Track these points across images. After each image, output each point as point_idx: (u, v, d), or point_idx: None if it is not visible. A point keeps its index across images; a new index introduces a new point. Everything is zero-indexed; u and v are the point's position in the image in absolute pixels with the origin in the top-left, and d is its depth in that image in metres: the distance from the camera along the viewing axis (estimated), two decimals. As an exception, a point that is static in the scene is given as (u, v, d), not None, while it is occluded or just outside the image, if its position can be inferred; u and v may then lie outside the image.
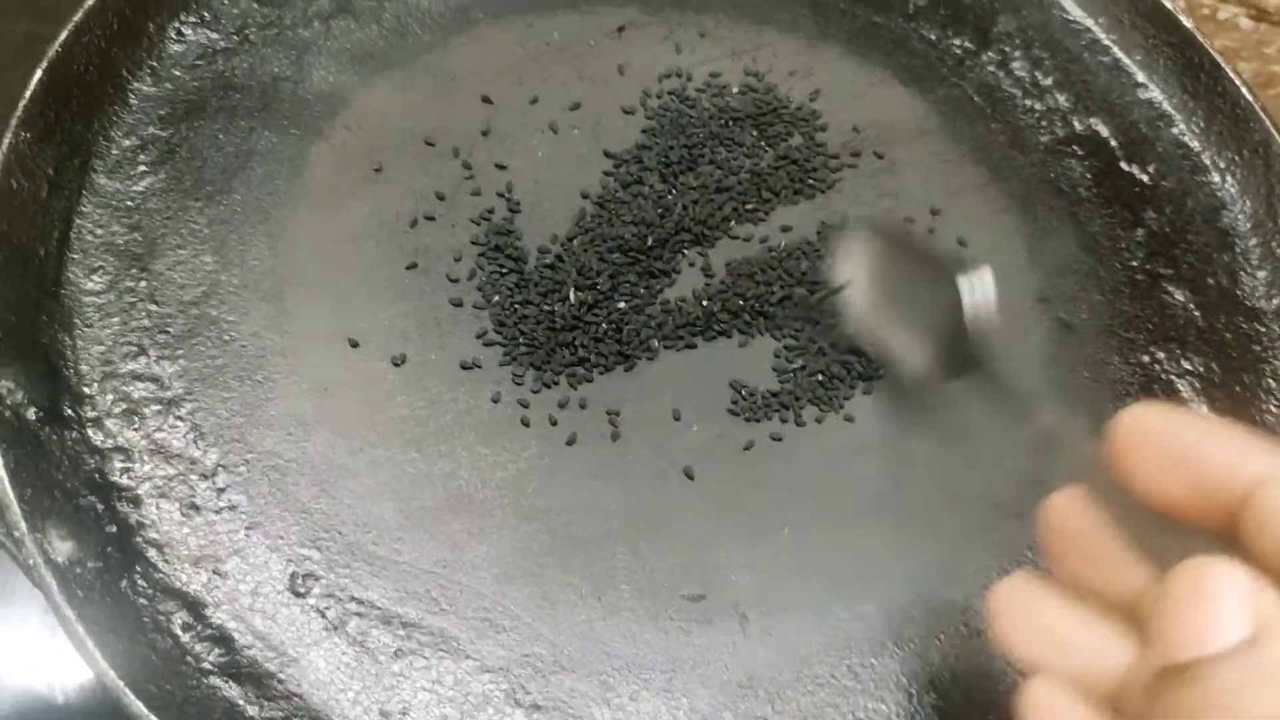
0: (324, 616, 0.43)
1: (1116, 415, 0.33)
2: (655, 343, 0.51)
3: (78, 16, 0.52)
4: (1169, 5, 0.62)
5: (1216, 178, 0.60)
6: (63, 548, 0.41)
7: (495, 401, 0.49)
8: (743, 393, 0.50)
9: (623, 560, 0.46)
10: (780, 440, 0.50)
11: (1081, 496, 0.34)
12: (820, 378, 0.51)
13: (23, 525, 0.40)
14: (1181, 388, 0.53)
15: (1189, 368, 0.54)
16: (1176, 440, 0.32)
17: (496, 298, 0.51)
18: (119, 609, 0.41)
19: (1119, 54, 0.64)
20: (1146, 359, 0.54)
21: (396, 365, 0.49)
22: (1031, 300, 0.55)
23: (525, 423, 0.49)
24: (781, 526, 0.47)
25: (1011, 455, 0.50)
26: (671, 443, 0.49)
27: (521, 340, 0.50)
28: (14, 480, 0.41)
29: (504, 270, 0.52)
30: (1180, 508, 0.31)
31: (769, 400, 0.50)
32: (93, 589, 0.41)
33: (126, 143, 0.53)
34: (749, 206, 0.56)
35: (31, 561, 0.39)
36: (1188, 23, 0.62)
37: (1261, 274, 0.57)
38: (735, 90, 0.60)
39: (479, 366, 0.50)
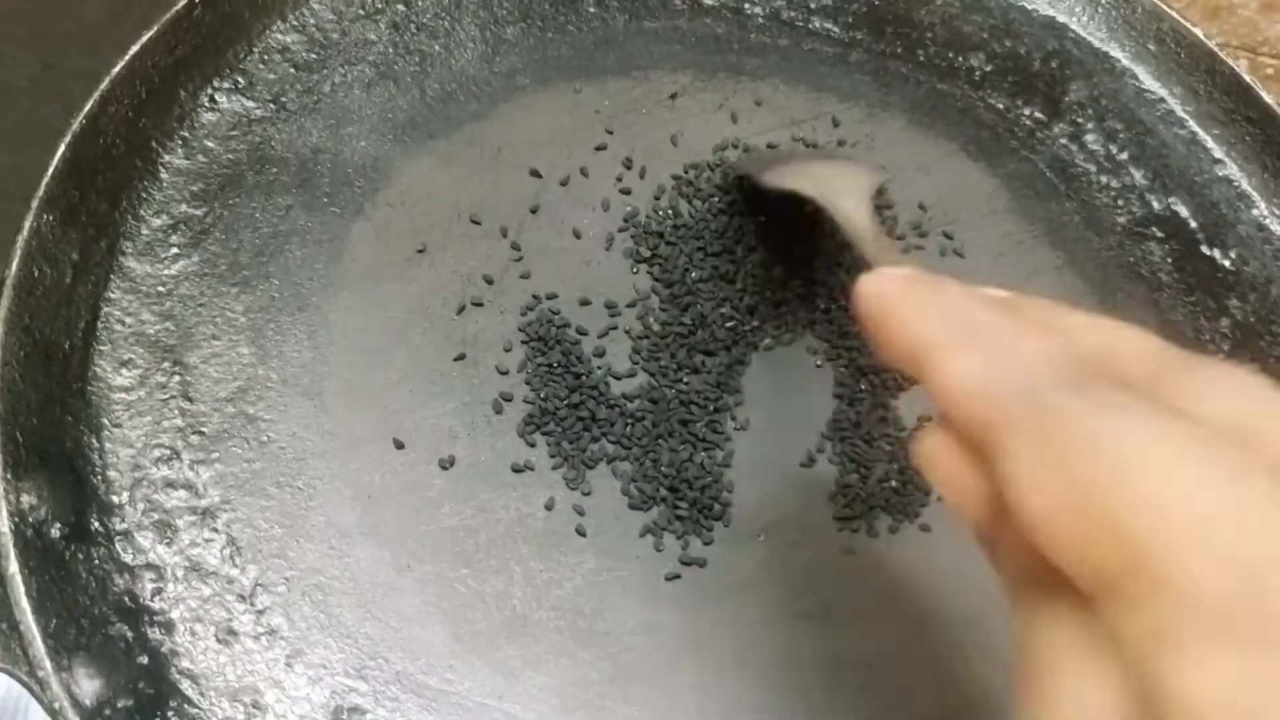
0: (371, 757, 0.40)
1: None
2: (722, 446, 0.48)
3: (103, 85, 0.49)
4: (1249, 79, 0.59)
5: (1302, 264, 0.57)
6: (90, 687, 0.37)
7: (549, 509, 0.46)
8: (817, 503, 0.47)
9: (689, 691, 0.43)
10: (853, 554, 0.47)
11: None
12: (894, 484, 0.48)
13: (48, 665, 0.37)
14: (1275, 496, 0.50)
15: None
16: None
17: (545, 391, 0.48)
18: (151, 754, 0.38)
19: (1195, 127, 0.61)
20: (1236, 463, 0.51)
21: (444, 469, 0.46)
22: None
23: (581, 532, 0.45)
24: (864, 658, 0.44)
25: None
26: (741, 557, 0.45)
27: (574, 440, 0.47)
28: (38, 612, 0.37)
29: (554, 364, 0.49)
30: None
31: (843, 511, 0.47)
32: (123, 733, 0.37)
33: (157, 222, 0.49)
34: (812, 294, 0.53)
35: (58, 705, 0.36)
36: (1268, 98, 0.59)
37: (1354, 370, 0.54)
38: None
39: (531, 469, 0.47)
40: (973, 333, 0.27)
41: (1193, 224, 0.58)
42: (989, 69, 0.62)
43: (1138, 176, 0.60)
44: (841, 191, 0.45)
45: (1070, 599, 0.23)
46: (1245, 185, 0.59)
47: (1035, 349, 0.26)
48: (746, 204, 0.53)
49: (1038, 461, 0.23)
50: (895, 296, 0.30)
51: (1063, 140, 0.61)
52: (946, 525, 0.48)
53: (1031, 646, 0.24)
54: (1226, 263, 0.57)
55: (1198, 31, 0.61)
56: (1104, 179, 0.59)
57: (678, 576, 0.45)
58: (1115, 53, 0.63)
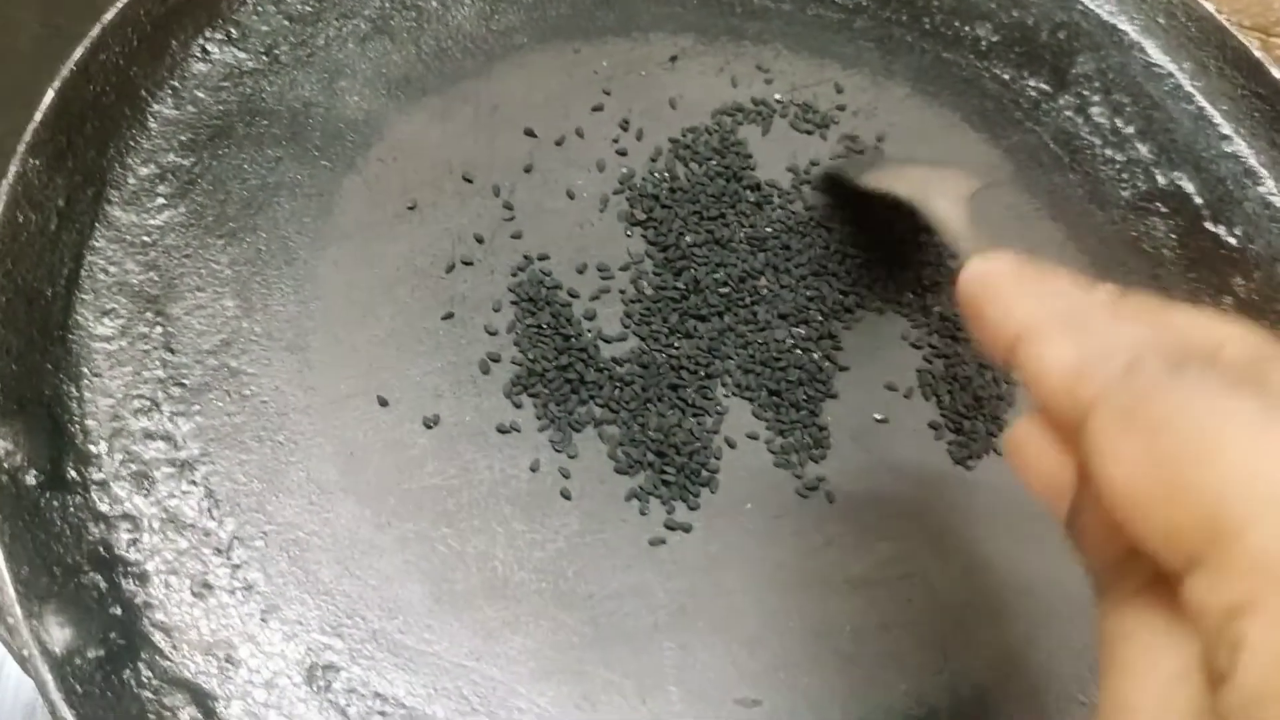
0: (345, 714, 0.39)
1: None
2: (717, 408, 0.47)
3: (94, 32, 0.48)
4: (1259, 54, 0.58)
5: (1309, 243, 0.56)
6: (61, 635, 0.37)
7: (534, 470, 0.45)
8: (805, 472, 0.46)
9: (671, 657, 0.42)
10: (844, 531, 0.46)
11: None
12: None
13: (18, 610, 0.36)
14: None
15: (1280, 453, 0.50)
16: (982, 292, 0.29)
17: (533, 353, 0.47)
18: (121, 704, 0.37)
19: (1203, 103, 0.60)
20: (1234, 442, 0.50)
21: (428, 427, 0.45)
22: (1112, 374, 0.51)
23: (566, 495, 0.45)
24: (844, 625, 0.43)
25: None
26: (727, 524, 0.45)
27: (561, 402, 0.46)
28: (9, 557, 0.37)
29: (544, 325, 0.48)
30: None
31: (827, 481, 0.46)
32: (92, 682, 0.37)
33: (144, 171, 0.49)
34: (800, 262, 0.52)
35: (26, 652, 0.36)
36: (1278, 74, 0.58)
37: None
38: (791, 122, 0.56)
39: (517, 430, 0.46)
40: (1073, 318, 0.27)
41: (1198, 200, 0.57)
42: (995, 39, 0.61)
43: (1143, 151, 0.59)
44: (937, 195, 0.45)
45: (1152, 586, 0.23)
46: (1253, 161, 0.58)
47: (1134, 334, 0.26)
48: (834, 205, 0.53)
49: (1125, 434, 0.23)
50: (999, 282, 0.30)
51: (1068, 113, 0.60)
52: (937, 509, 0.47)
53: (1113, 633, 0.24)
54: (1231, 240, 0.56)
55: (1208, 6, 0.60)
56: (1109, 152, 0.58)
57: (662, 542, 0.44)
58: (1124, 25, 0.62)
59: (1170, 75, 0.61)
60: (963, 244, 0.41)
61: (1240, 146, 0.59)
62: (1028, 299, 0.29)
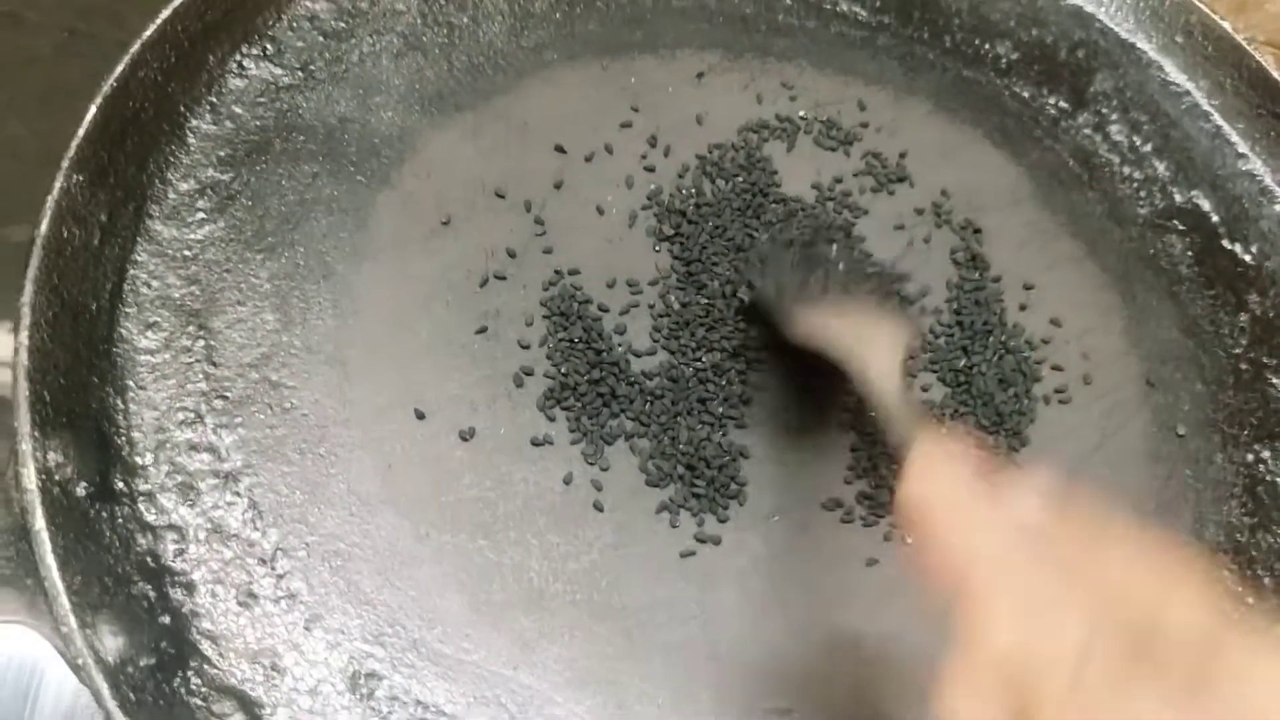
0: (387, 722, 0.40)
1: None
2: (735, 420, 0.48)
3: (134, 49, 0.49)
4: (1277, 75, 0.59)
5: (1324, 261, 0.57)
6: (114, 644, 0.38)
7: (567, 483, 0.46)
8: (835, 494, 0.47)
9: (703, 667, 0.43)
10: (871, 544, 0.47)
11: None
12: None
13: (72, 621, 0.37)
14: (1288, 491, 0.50)
15: (1296, 469, 0.51)
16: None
17: (565, 366, 0.48)
18: (172, 711, 0.38)
19: (1220, 121, 0.61)
20: (1251, 458, 0.51)
21: (465, 440, 0.46)
22: (1132, 388, 0.52)
23: (599, 507, 0.46)
24: (870, 637, 0.44)
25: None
26: (755, 537, 0.46)
27: (593, 415, 0.47)
28: (63, 568, 0.38)
29: (575, 339, 0.49)
30: None
31: (864, 500, 0.47)
32: (144, 690, 0.38)
33: (184, 186, 0.50)
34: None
35: (81, 661, 0.37)
36: (1296, 93, 0.58)
37: (1372, 369, 0.54)
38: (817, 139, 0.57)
39: (550, 443, 0.47)
40: (1018, 587, 0.28)
41: (1214, 218, 0.58)
42: (1015, 57, 0.62)
43: (1161, 169, 0.59)
44: (870, 354, 0.43)
45: None
46: (1269, 180, 0.59)
47: (1081, 624, 0.27)
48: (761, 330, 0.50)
49: None
50: (938, 515, 0.30)
51: (1087, 130, 0.60)
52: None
53: None
54: (1248, 257, 0.57)
55: (1225, 25, 0.61)
56: (1127, 170, 0.59)
57: (692, 554, 0.45)
58: (1142, 44, 0.63)
59: (1187, 93, 0.62)
60: (896, 426, 0.40)
61: (1256, 165, 0.60)
62: (970, 546, 0.29)
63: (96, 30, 0.69)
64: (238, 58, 0.54)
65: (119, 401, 0.44)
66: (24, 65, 0.67)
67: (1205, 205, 0.59)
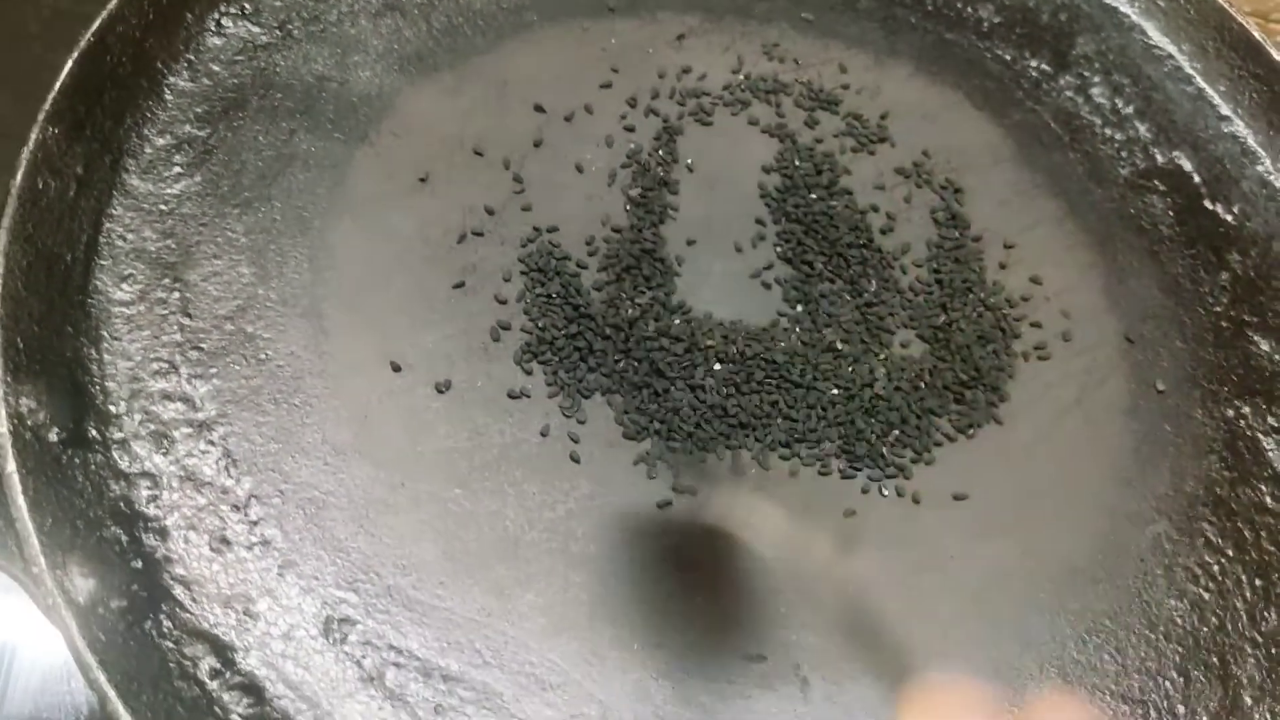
0: (360, 666, 0.40)
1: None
2: (712, 380, 0.48)
3: (112, 4, 0.49)
4: (1258, 36, 0.59)
5: (1304, 220, 0.57)
6: (84, 585, 0.38)
7: (544, 435, 0.46)
8: (808, 446, 0.47)
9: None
10: (843, 499, 0.47)
11: None
12: (888, 438, 0.48)
13: (42, 561, 0.37)
14: (1268, 446, 0.50)
15: (1275, 424, 0.51)
16: None
17: (543, 321, 0.48)
18: (143, 653, 0.38)
19: (1202, 84, 0.61)
20: (1231, 413, 0.51)
21: (440, 392, 0.46)
22: (1112, 345, 0.52)
23: (575, 459, 0.46)
24: (845, 586, 0.44)
25: (1090, 518, 0.47)
26: (731, 490, 0.46)
27: (570, 369, 0.47)
28: (34, 510, 0.38)
29: (553, 295, 0.49)
30: None
31: (843, 454, 0.47)
32: (115, 631, 0.38)
33: (161, 141, 0.49)
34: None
35: (51, 601, 0.36)
36: (1277, 55, 0.58)
37: (1352, 326, 0.54)
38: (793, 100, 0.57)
39: (527, 396, 0.47)
40: None
41: (1196, 178, 0.58)
42: (997, 20, 0.62)
43: (1142, 130, 0.59)
44: None
45: None
46: (1251, 141, 0.59)
47: None
48: None
49: None
50: None
51: (1069, 92, 0.60)
52: (937, 478, 0.48)
53: None
54: (1229, 217, 0.57)
55: (1208, -13, 0.61)
56: (1108, 131, 0.59)
57: (669, 504, 0.45)
58: (1124, 7, 0.63)
59: (1170, 56, 0.62)
60: None
61: (1238, 126, 0.60)
62: None
63: (82, 9, 0.69)
64: (216, 15, 0.54)
65: (93, 351, 0.44)
66: (10, 43, 0.67)
67: (1187, 166, 0.59)
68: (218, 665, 0.39)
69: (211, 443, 0.43)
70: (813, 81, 0.58)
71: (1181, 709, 0.43)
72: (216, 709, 0.38)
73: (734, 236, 0.53)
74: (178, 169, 0.49)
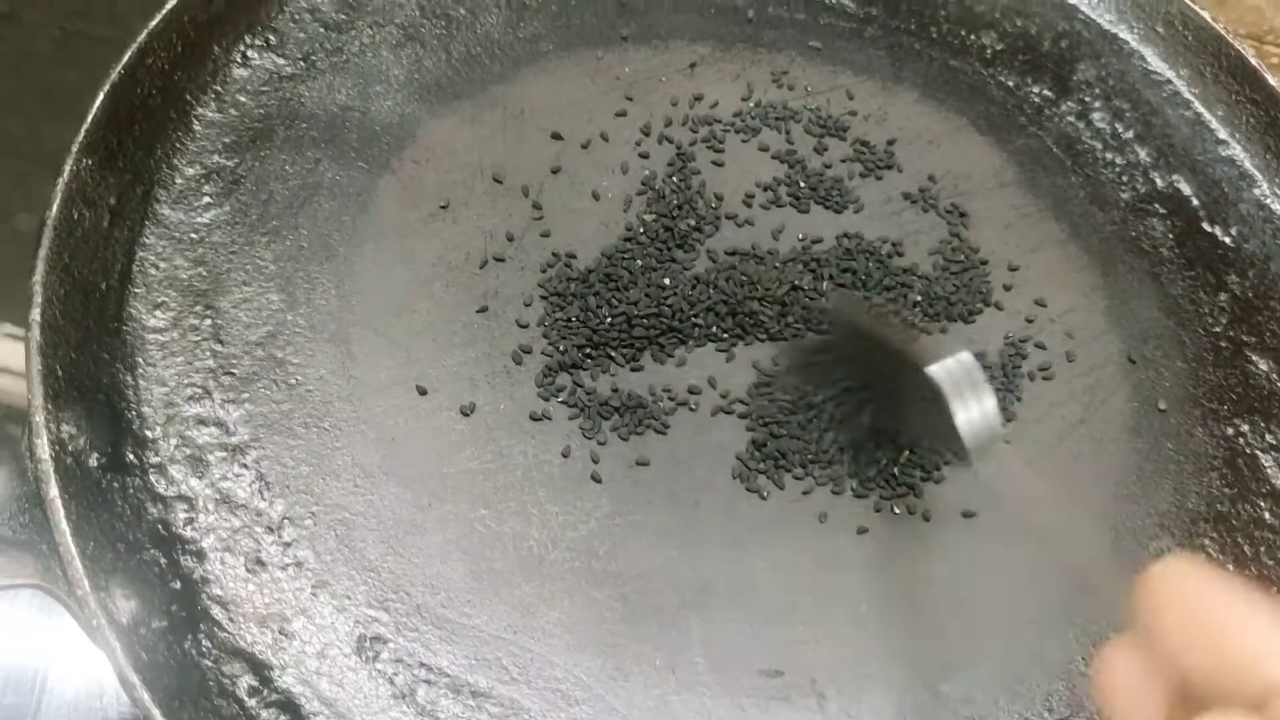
0: (392, 683, 0.41)
1: (1148, 567, 0.30)
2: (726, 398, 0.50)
3: (141, 38, 0.50)
4: (1255, 63, 0.60)
5: (1301, 243, 0.59)
6: (126, 607, 0.39)
7: (565, 456, 0.47)
8: (821, 466, 0.49)
9: (697, 631, 0.44)
10: (859, 514, 0.48)
11: (1130, 647, 0.31)
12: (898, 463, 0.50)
13: (86, 584, 0.38)
14: (1266, 463, 0.52)
15: (1273, 442, 0.52)
16: (1208, 615, 0.29)
17: (563, 345, 0.50)
18: (184, 672, 0.39)
19: (1200, 109, 0.63)
20: (1230, 431, 0.53)
21: (465, 415, 0.47)
22: (1114, 366, 0.54)
23: (596, 479, 0.47)
24: (859, 603, 0.46)
25: (1094, 537, 0.48)
26: (748, 510, 0.47)
27: (590, 392, 0.49)
28: (76, 534, 0.39)
29: (572, 319, 0.50)
30: (1207, 681, 0.29)
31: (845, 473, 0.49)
32: (156, 651, 0.39)
33: (190, 171, 0.51)
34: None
35: (95, 622, 0.38)
36: (1273, 81, 0.60)
37: (1348, 346, 0.56)
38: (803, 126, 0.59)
39: (549, 418, 0.48)
40: None
41: (1195, 201, 0.60)
42: (1000, 47, 0.64)
43: (1142, 154, 0.61)
44: None
45: None
46: (1248, 165, 0.61)
47: None
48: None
49: None
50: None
51: (1070, 118, 0.62)
52: (946, 497, 0.50)
53: None
54: (1227, 240, 0.59)
55: (1205, 15, 0.62)
56: (1109, 156, 0.61)
57: (689, 523, 0.47)
58: (1124, 34, 0.65)
59: (1169, 82, 0.63)
60: None
61: (1236, 150, 0.61)
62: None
63: (93, 30, 0.70)
64: (241, 48, 0.55)
65: (129, 377, 0.45)
66: (21, 64, 0.69)
67: (1186, 189, 0.60)
68: (255, 683, 0.40)
69: (245, 466, 0.45)
70: (821, 108, 0.60)
71: None
72: (254, 725, 0.40)
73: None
74: (207, 198, 0.50)
